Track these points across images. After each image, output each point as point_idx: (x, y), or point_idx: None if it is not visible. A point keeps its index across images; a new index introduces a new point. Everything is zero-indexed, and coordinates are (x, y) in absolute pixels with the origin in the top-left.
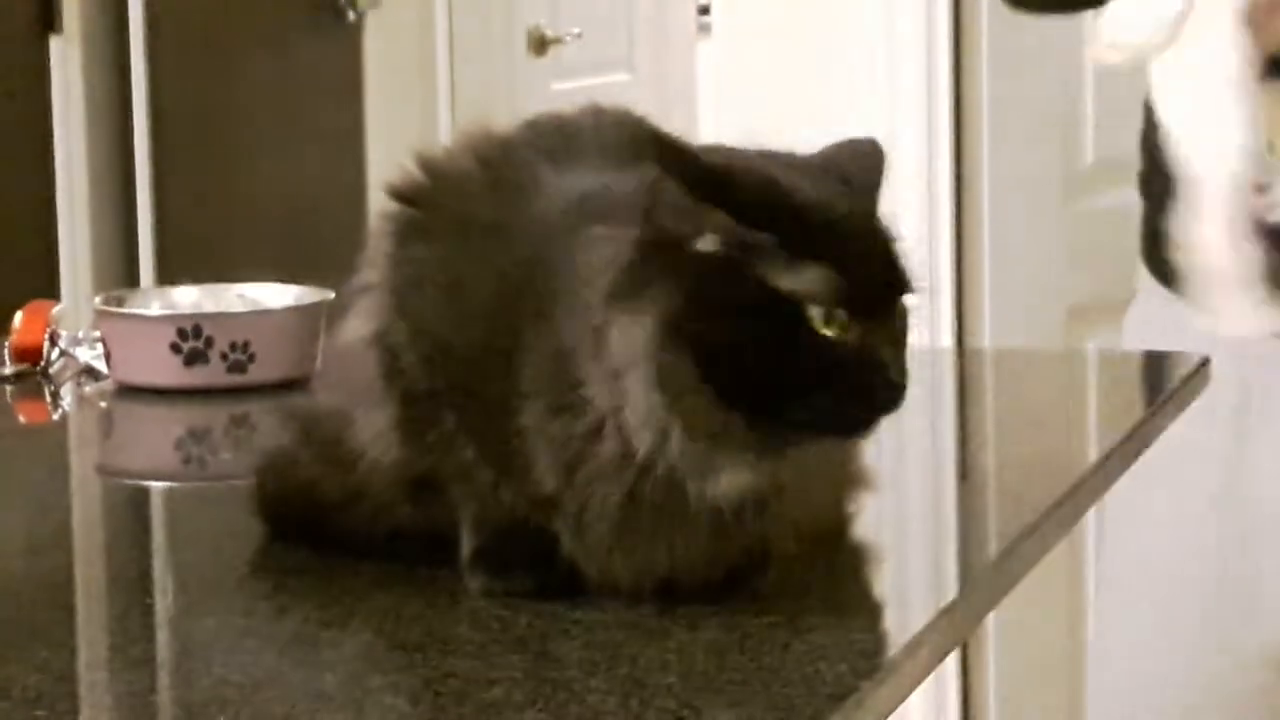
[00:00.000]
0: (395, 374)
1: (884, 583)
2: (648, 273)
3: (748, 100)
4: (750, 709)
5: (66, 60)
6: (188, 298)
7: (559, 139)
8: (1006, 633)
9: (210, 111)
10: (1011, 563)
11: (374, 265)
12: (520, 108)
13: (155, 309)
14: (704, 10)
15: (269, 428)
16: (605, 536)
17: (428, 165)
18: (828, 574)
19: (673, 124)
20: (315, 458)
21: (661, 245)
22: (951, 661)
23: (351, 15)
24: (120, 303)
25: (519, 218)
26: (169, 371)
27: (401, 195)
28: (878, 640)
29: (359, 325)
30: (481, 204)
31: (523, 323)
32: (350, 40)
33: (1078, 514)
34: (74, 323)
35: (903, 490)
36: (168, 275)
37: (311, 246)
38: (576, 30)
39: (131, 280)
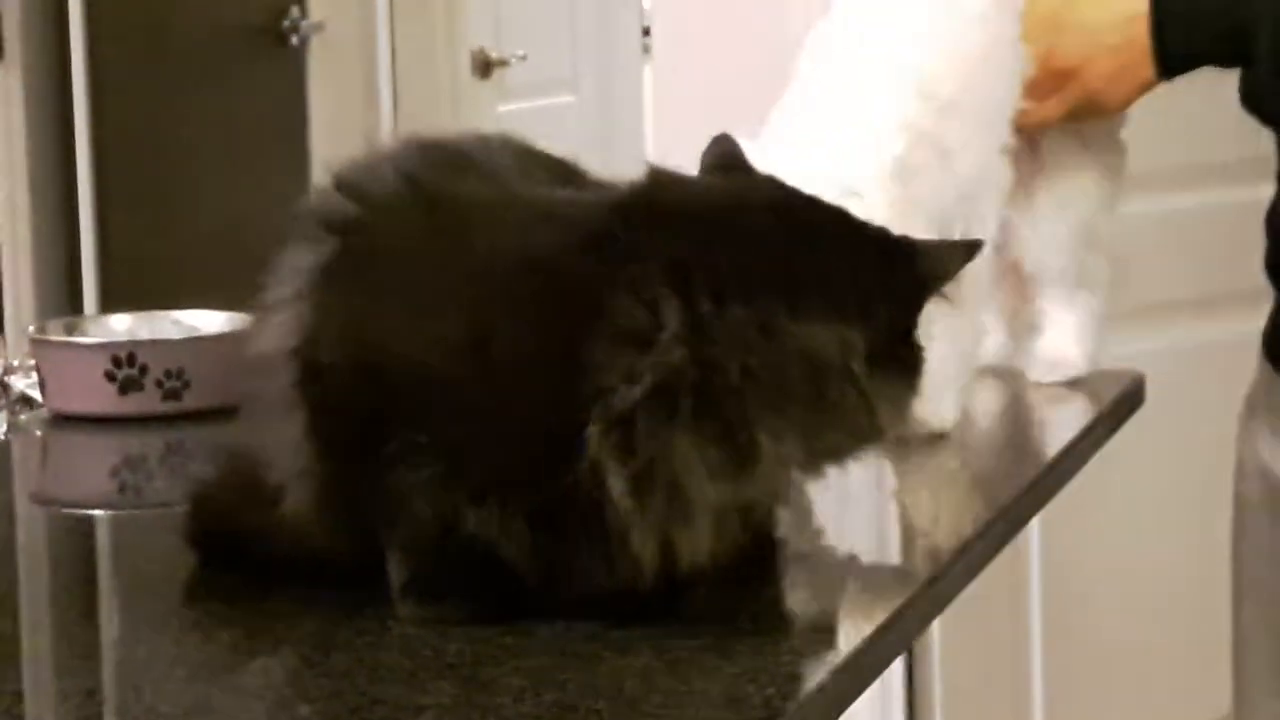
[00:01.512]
0: (317, 388)
1: (814, 604)
2: None
3: (692, 120)
4: None
5: (8, 88)
6: (123, 325)
7: (460, 157)
8: (950, 640)
9: (154, 138)
10: (943, 584)
11: (291, 279)
12: (466, 130)
13: (90, 337)
14: (648, 31)
15: (202, 454)
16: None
17: (352, 190)
18: (758, 596)
19: (619, 144)
20: (237, 483)
21: None
22: (898, 665)
23: (294, 40)
24: (56, 331)
25: (464, 235)
26: (104, 399)
27: (331, 224)
28: (806, 663)
29: (277, 337)
30: (418, 226)
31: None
32: (293, 65)
33: (1009, 534)
34: (16, 351)
35: (834, 511)
36: (112, 303)
37: (257, 272)
38: (521, 52)
39: (75, 308)
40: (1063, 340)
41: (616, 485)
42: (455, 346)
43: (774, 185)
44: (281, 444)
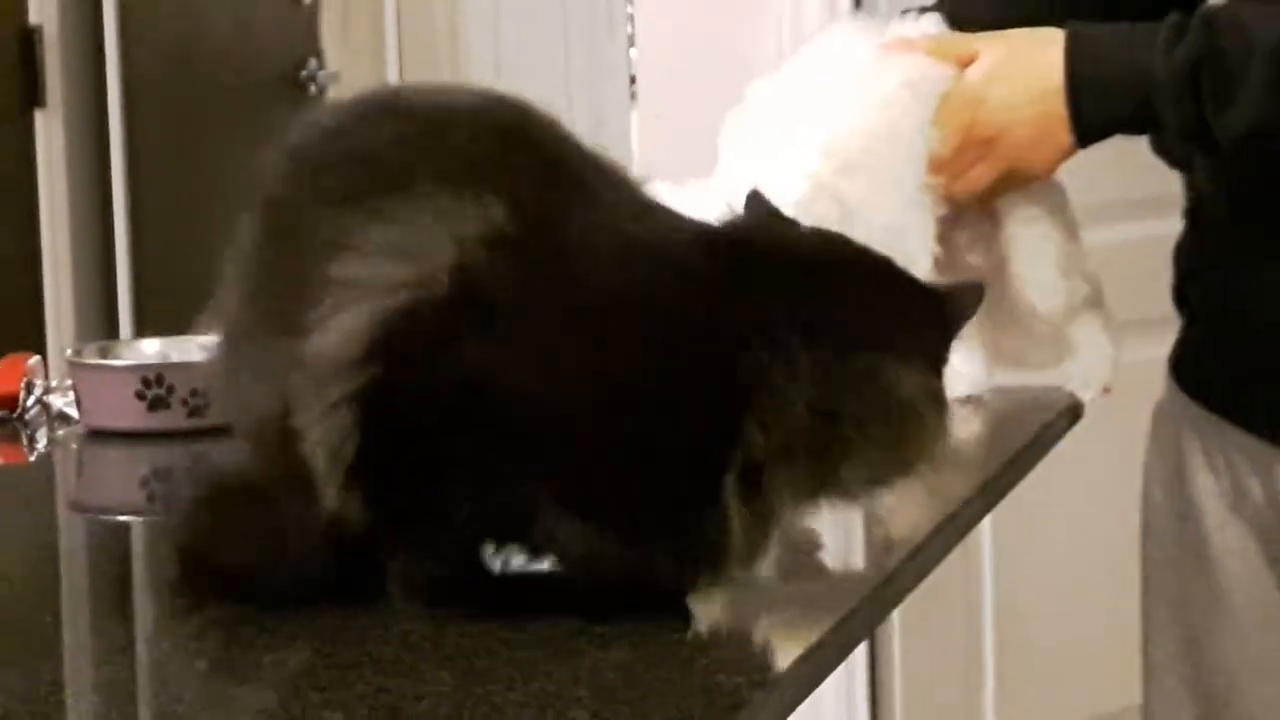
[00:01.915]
0: (390, 399)
1: (780, 600)
2: None
3: (672, 160)
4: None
5: (50, 132)
6: (152, 349)
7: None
8: (909, 625)
9: (183, 177)
10: (899, 580)
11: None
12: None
13: (122, 359)
14: (634, 80)
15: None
16: None
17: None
18: (728, 592)
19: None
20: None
21: None
22: (861, 651)
23: (313, 89)
24: (91, 354)
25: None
26: (134, 416)
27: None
28: (772, 653)
29: (343, 344)
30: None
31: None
32: (311, 109)
33: (961, 534)
34: (55, 373)
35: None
36: (144, 328)
37: None
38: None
39: (111, 332)
40: (1090, 359)
41: (739, 525)
42: (574, 379)
43: (836, 235)
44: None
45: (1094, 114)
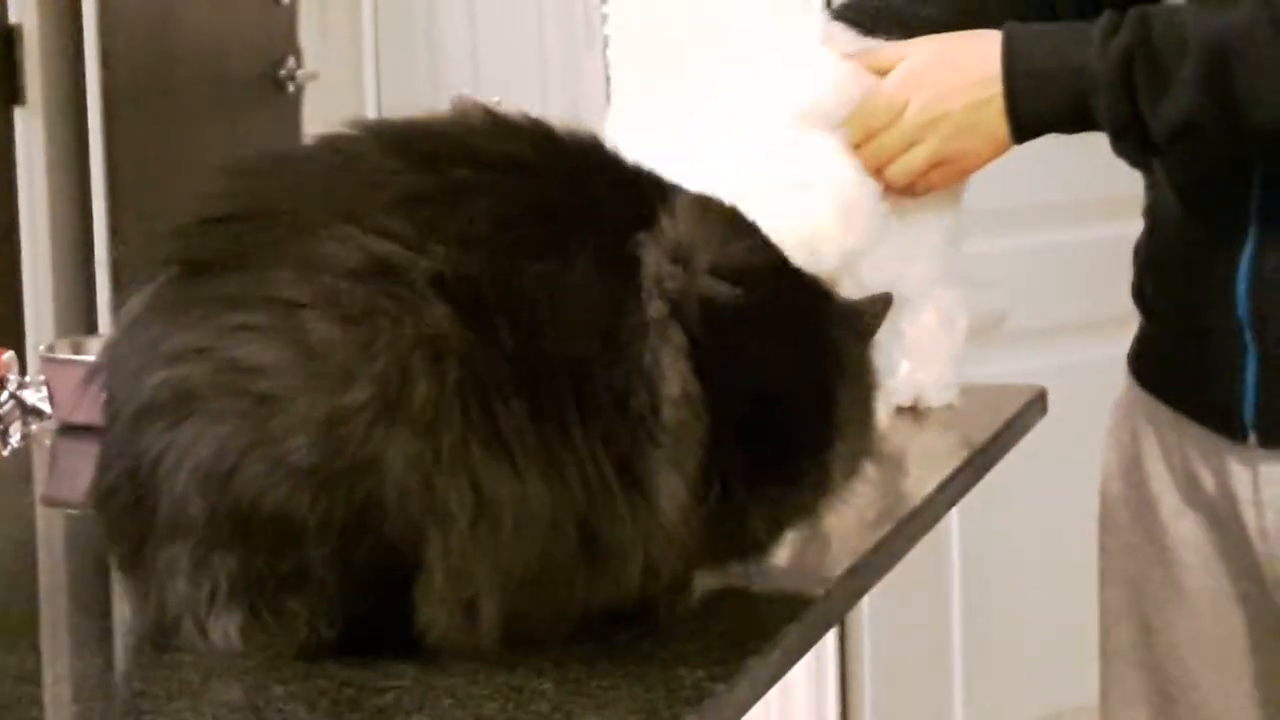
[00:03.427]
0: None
1: (743, 595)
2: None
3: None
4: (615, 712)
5: (29, 130)
6: None
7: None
8: (879, 620)
9: (162, 175)
10: (863, 572)
11: None
12: None
13: (94, 355)
14: (609, 81)
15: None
16: None
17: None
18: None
19: None
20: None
21: None
22: (831, 644)
23: (291, 87)
24: (63, 349)
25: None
26: None
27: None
28: (734, 647)
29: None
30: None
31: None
32: (290, 109)
33: (928, 525)
34: (27, 368)
35: None
36: None
37: None
38: (497, 99)
39: (90, 328)
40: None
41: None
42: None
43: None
44: None
45: (1030, 107)
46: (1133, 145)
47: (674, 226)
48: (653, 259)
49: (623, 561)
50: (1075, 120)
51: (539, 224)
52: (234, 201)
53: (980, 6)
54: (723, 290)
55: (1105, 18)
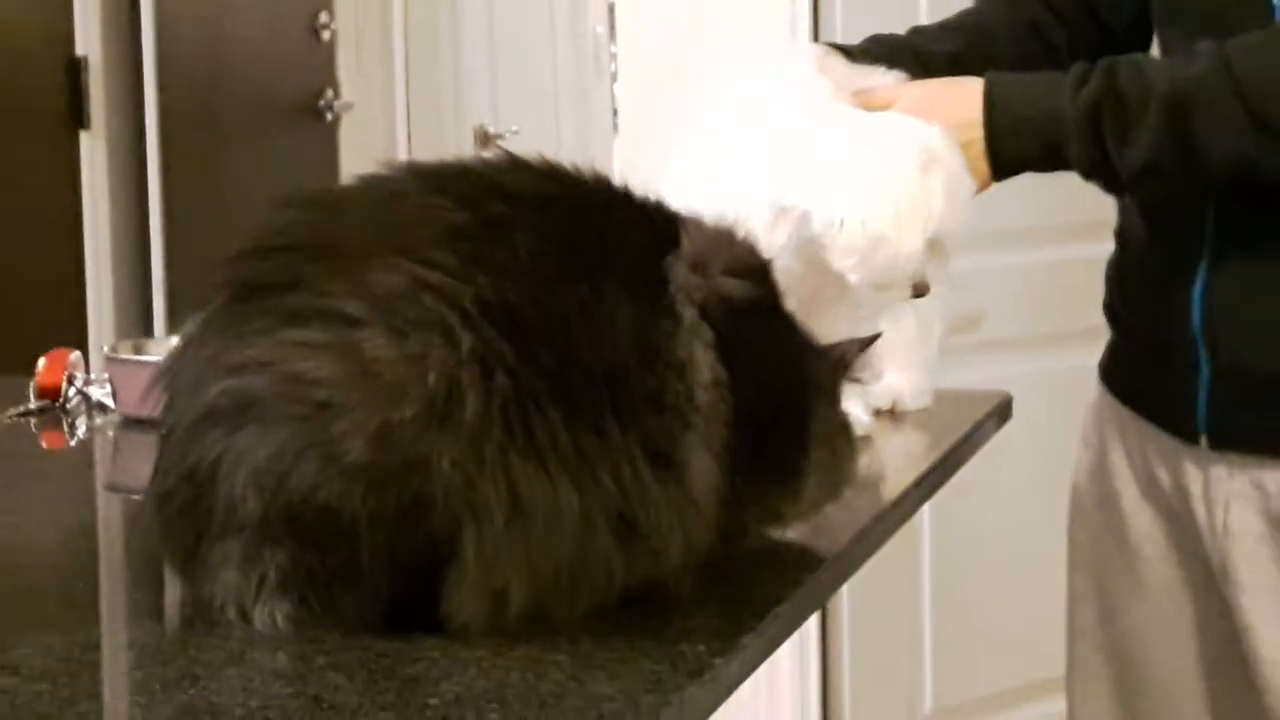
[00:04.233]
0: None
1: (740, 577)
2: None
3: (650, 185)
4: (626, 682)
5: (93, 151)
6: None
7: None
8: (857, 603)
9: (212, 192)
10: (845, 561)
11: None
12: None
13: (153, 355)
14: (617, 113)
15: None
16: None
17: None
18: (695, 572)
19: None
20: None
21: None
22: (813, 624)
23: (329, 116)
24: (125, 350)
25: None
26: None
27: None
28: (731, 625)
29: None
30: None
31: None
32: (328, 136)
33: (903, 519)
34: (94, 367)
35: None
36: (176, 326)
37: None
38: (515, 128)
39: (146, 330)
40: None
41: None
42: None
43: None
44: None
45: (1009, 149)
46: (1101, 184)
47: (691, 244)
48: (680, 274)
49: (663, 540)
50: (1049, 161)
51: (570, 253)
52: (289, 232)
53: (988, 42)
54: (735, 285)
55: (1076, 69)
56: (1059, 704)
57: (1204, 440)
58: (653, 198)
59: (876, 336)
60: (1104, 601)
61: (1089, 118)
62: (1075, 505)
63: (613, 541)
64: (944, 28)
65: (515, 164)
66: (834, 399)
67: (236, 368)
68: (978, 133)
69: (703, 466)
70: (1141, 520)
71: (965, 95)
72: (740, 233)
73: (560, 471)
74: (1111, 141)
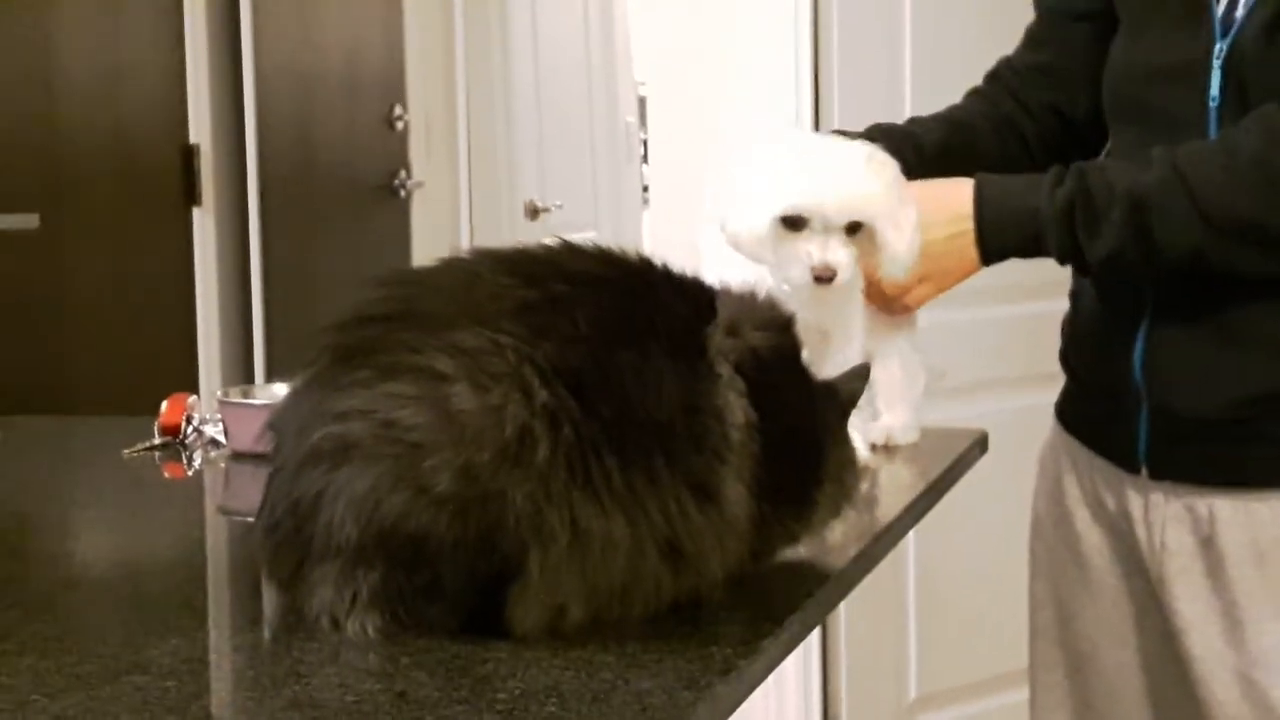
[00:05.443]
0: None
1: (760, 590)
2: None
3: (677, 255)
4: (665, 680)
5: (204, 225)
6: (281, 390)
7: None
8: (852, 608)
9: (304, 259)
10: (846, 575)
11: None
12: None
13: (259, 399)
14: (645, 188)
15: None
16: None
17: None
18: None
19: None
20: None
21: None
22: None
23: (403, 193)
24: (235, 394)
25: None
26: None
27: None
28: (753, 630)
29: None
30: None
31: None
32: (402, 210)
33: (894, 541)
34: (207, 408)
35: None
36: (274, 374)
37: None
38: (559, 202)
39: (248, 378)
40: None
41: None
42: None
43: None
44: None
45: (995, 239)
46: (1074, 269)
47: (724, 311)
48: (717, 339)
49: (705, 560)
50: (1030, 249)
51: (623, 324)
52: (381, 305)
53: (971, 133)
54: (762, 338)
55: (1052, 172)
56: (1025, 692)
57: (1144, 470)
58: (690, 274)
59: (867, 366)
60: (1060, 606)
61: (1063, 214)
62: (1035, 524)
63: (660, 563)
64: (935, 119)
65: (572, 249)
66: (843, 437)
67: (339, 415)
68: (969, 225)
69: (736, 495)
70: (1092, 537)
71: (958, 193)
72: (763, 293)
73: (615, 507)
74: (1082, 235)
